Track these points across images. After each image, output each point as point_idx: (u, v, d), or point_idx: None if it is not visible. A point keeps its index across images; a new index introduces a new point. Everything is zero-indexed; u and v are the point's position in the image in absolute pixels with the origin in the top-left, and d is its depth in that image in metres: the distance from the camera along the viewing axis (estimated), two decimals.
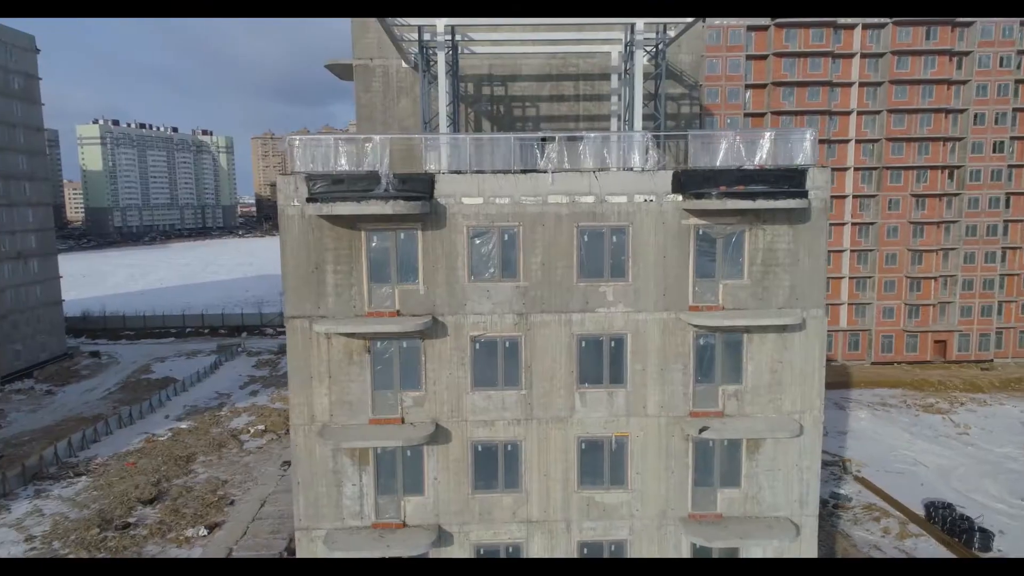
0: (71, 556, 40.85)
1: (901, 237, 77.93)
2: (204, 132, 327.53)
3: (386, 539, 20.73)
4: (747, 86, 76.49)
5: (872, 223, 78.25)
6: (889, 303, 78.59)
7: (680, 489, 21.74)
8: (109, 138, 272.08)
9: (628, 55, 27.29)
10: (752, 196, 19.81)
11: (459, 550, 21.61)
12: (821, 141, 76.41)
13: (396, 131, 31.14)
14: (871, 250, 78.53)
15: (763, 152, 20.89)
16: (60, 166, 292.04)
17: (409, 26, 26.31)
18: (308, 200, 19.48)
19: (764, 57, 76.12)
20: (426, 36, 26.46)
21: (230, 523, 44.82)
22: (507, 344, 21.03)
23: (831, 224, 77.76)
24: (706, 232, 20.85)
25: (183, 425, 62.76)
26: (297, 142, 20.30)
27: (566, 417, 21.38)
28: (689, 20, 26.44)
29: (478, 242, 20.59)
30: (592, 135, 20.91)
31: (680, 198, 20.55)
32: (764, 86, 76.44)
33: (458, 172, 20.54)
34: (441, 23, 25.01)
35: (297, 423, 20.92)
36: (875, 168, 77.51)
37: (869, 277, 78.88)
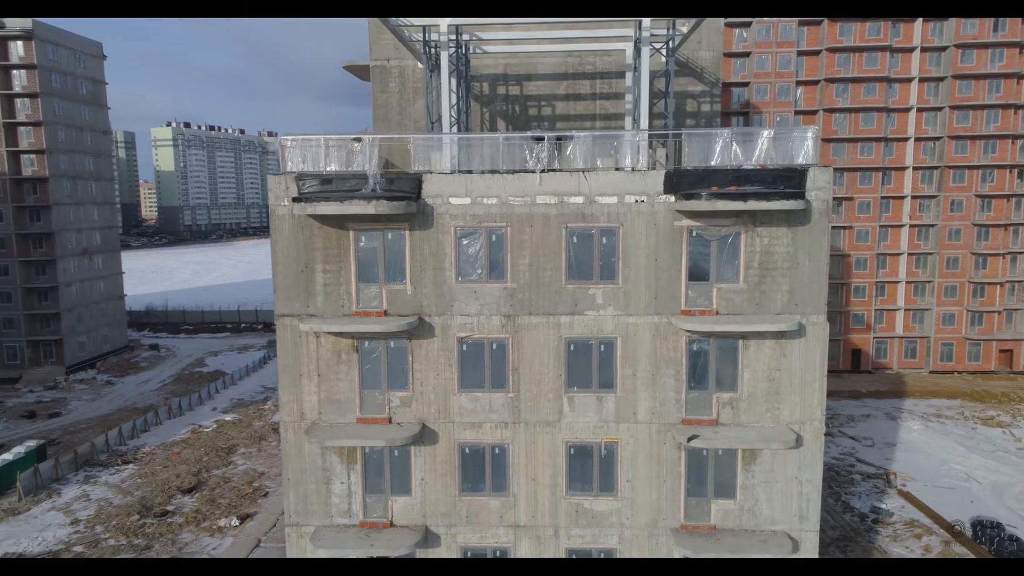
0: (111, 540, 42.61)
1: (964, 240, 74.10)
2: (270, 134, 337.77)
3: (371, 538, 20.82)
4: (798, 82, 74.06)
5: (932, 225, 74.68)
6: (950, 309, 74.84)
7: (672, 498, 21.12)
8: (181, 140, 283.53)
9: (636, 52, 26.66)
10: (743, 197, 19.06)
11: (446, 552, 21.53)
12: (876, 139, 73.42)
13: (412, 131, 31.27)
14: (931, 253, 74.96)
15: (761, 151, 20.09)
16: (136, 167, 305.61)
17: (414, 27, 26.34)
18: (294, 200, 19.72)
19: (816, 53, 73.54)
20: (431, 36, 26.47)
21: (261, 514, 45.97)
22: (494, 346, 20.83)
23: (888, 226, 74.68)
24: (699, 234, 20.19)
25: (228, 417, 64.76)
26: (288, 142, 20.57)
27: (554, 421, 21.04)
28: (693, 20, 25.66)
29: (465, 243, 20.45)
30: (582, 134, 20.51)
31: (672, 199, 19.95)
32: (816, 82, 73.84)
33: (449, 172, 20.44)
34: (444, 23, 24.95)
35: (287, 420, 21.21)
36: (936, 167, 73.93)
37: (928, 282, 75.31)
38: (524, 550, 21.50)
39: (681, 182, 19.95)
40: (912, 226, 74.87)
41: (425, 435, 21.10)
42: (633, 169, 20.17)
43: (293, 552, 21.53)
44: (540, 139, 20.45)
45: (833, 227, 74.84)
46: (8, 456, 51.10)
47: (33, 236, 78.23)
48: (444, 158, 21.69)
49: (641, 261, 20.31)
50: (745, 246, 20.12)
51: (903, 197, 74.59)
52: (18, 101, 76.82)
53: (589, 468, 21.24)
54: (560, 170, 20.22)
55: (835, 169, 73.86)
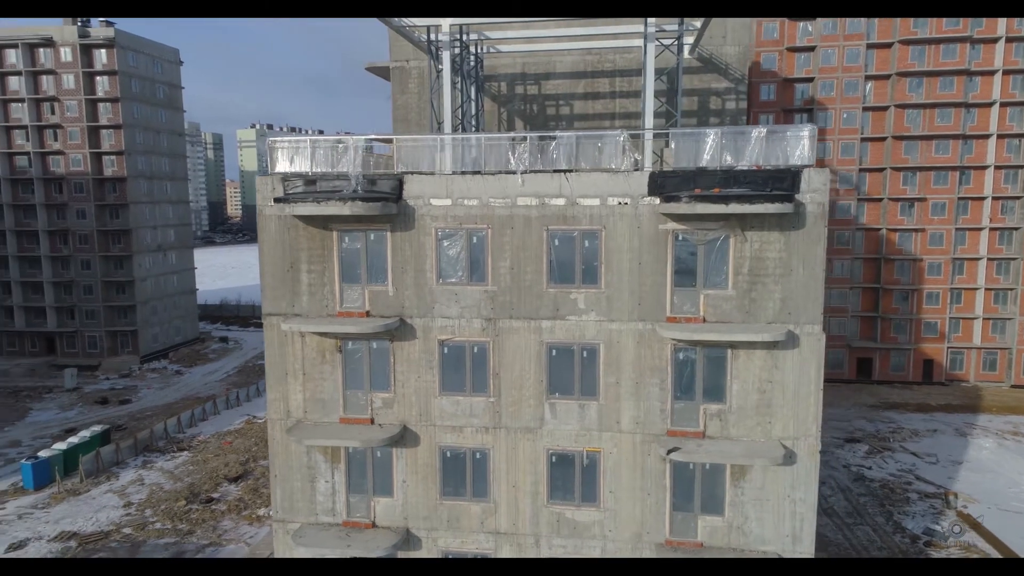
0: (157, 524, 44.65)
1: None
2: (346, 133, 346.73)
3: (351, 538, 20.93)
4: (867, 77, 70.37)
5: (1016, 228, 69.59)
6: None
7: (656, 512, 20.33)
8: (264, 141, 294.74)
9: (645, 50, 25.81)
10: (724, 200, 18.11)
11: (427, 556, 21.42)
12: (954, 136, 68.98)
13: (428, 132, 31.34)
14: (1014, 259, 69.88)
15: (754, 151, 19.06)
16: (223, 167, 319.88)
17: (418, 27, 26.35)
18: (276, 200, 20.02)
19: (888, 45, 69.67)
20: (434, 36, 26.41)
21: None
22: (475, 349, 20.57)
23: (966, 229, 70.09)
24: (686, 238, 19.33)
25: None
26: (276, 143, 20.91)
27: (535, 428, 20.60)
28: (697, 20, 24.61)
29: (446, 244, 20.28)
30: (565, 134, 19.97)
31: (657, 201, 19.18)
32: (887, 77, 69.99)
33: (429, 172, 20.32)
34: (446, 23, 24.85)
35: (274, 417, 21.57)
36: (1020, 167, 68.84)
37: (1011, 289, 70.24)
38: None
39: (666, 184, 19.16)
40: (993, 229, 69.98)
41: (407, 437, 21.05)
42: (616, 170, 19.49)
43: (279, 548, 21.89)
44: (523, 139, 20.05)
45: (903, 230, 70.88)
46: (74, 440, 54.32)
47: (112, 233, 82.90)
48: (445, 159, 21.54)
49: (624, 265, 19.63)
50: (734, 251, 19.14)
51: (983, 198, 69.81)
52: (100, 105, 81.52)
53: (571, 477, 20.70)
54: (541, 171, 19.76)
55: (907, 169, 69.98)
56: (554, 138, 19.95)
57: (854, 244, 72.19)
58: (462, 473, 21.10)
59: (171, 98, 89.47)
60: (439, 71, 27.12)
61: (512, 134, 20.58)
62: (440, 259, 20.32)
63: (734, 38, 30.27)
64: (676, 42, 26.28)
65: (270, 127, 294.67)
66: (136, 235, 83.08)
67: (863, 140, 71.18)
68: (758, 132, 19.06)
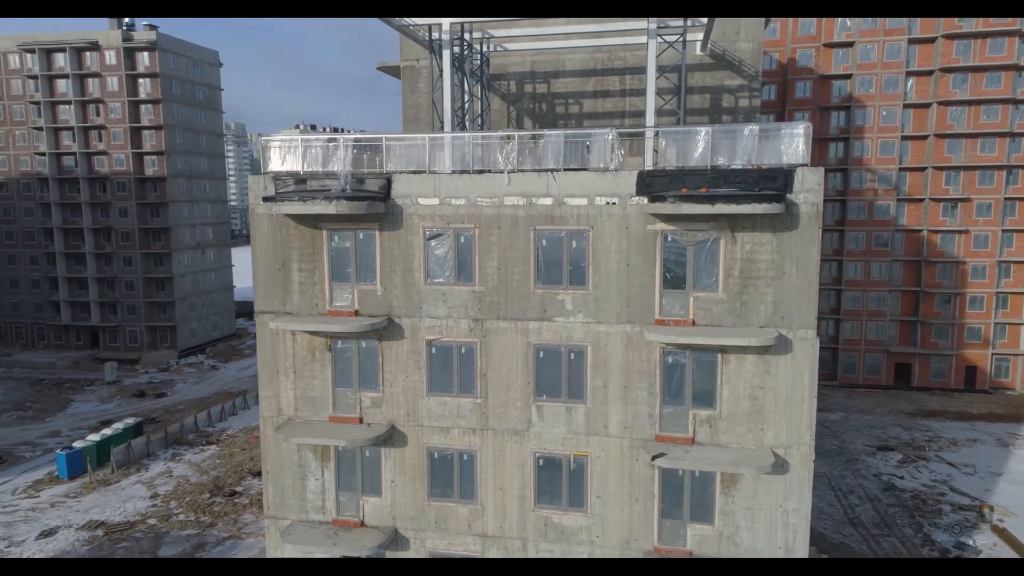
0: (181, 516, 45.65)
1: None
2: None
3: (338, 536, 20.97)
4: (908, 73, 68.05)
5: None
6: None
7: (645, 519, 19.87)
8: None
9: (648, 47, 25.29)
10: (711, 200, 17.58)
11: (415, 557, 21.33)
12: (1002, 135, 66.25)
13: (432, 131, 31.29)
14: None
15: (746, 150, 18.48)
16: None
17: (419, 26, 26.30)
18: (264, 199, 20.17)
19: (931, 40, 67.27)
20: (436, 35, 26.32)
21: None
22: (463, 350, 20.41)
23: (1014, 231, 67.28)
24: (675, 239, 18.84)
25: None
26: (269, 142, 21.07)
27: (523, 430, 20.34)
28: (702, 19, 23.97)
29: (434, 244, 20.16)
30: (553, 133, 19.67)
31: (645, 201, 18.74)
32: (930, 73, 67.58)
33: (417, 171, 20.23)
34: (447, 22, 24.74)
35: (266, 415, 21.75)
36: None
37: None
38: None
39: (654, 183, 18.71)
40: None
41: (395, 437, 21.00)
42: (604, 169, 19.10)
43: (270, 545, 22.07)
44: (511, 138, 19.81)
45: (946, 231, 68.37)
46: (108, 432, 55.94)
47: (153, 230, 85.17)
48: (444, 158, 21.40)
49: (612, 266, 19.23)
50: (724, 252, 18.58)
51: None
52: (142, 107, 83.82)
53: (558, 481, 20.38)
54: (529, 170, 19.49)
55: (950, 168, 67.43)
56: (542, 137, 19.67)
57: (893, 246, 69.94)
58: (450, 474, 20.97)
59: (210, 99, 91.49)
60: (441, 70, 27.02)
61: (500, 132, 20.36)
62: (428, 259, 20.22)
63: (747, 34, 29.46)
64: (680, 39, 25.69)
65: (313, 127, 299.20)
66: (175, 233, 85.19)
67: (903, 138, 68.90)
68: (750, 130, 18.47)
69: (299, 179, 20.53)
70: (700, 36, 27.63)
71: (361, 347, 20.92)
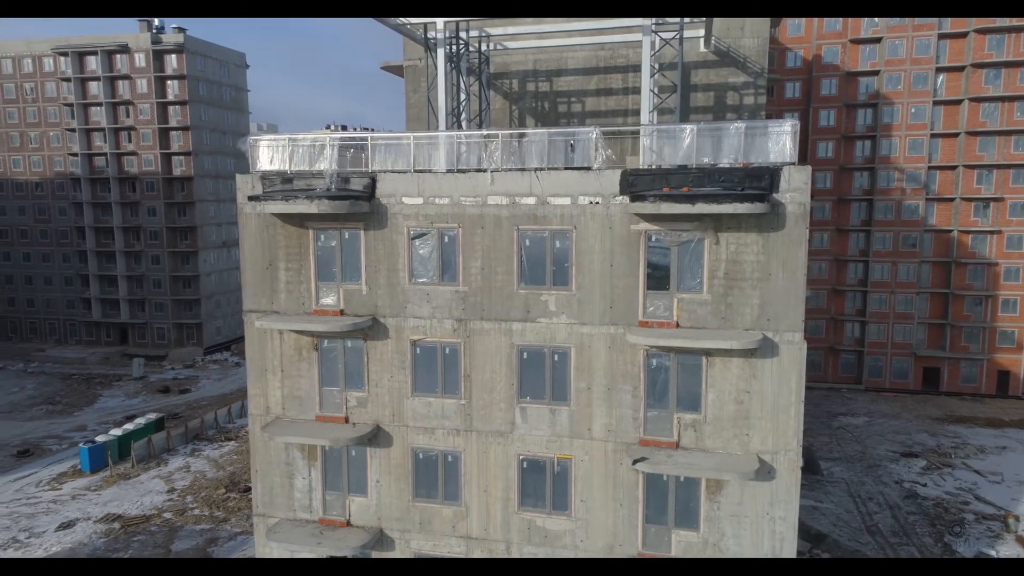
0: (196, 510, 46.35)
1: None
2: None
3: (324, 536, 21.00)
4: (938, 69, 66.20)
5: None
6: None
7: (629, 524, 19.53)
8: None
9: (645, 43, 24.89)
10: (691, 199, 17.18)
11: (400, 557, 21.27)
12: None
13: (430, 130, 31.22)
14: None
15: (732, 148, 18.05)
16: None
17: (413, 24, 26.23)
18: (249, 199, 20.26)
19: (963, 35, 65.35)
20: (431, 34, 26.22)
21: None
22: (447, 350, 20.28)
23: None
24: (659, 239, 18.47)
25: None
26: (258, 141, 21.17)
27: (507, 432, 20.14)
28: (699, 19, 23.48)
29: (418, 243, 20.06)
30: (537, 132, 19.42)
31: (628, 200, 18.40)
32: (961, 69, 65.65)
33: (402, 171, 20.15)
34: (440, 21, 24.63)
35: (254, 413, 21.87)
36: None
37: None
38: None
39: (638, 182, 18.36)
40: None
41: (380, 437, 20.96)
42: (587, 168, 18.80)
43: (259, 543, 22.18)
44: (495, 137, 19.62)
45: (977, 232, 66.40)
46: (129, 426, 57.07)
47: (180, 229, 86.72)
48: (440, 157, 21.31)
49: (595, 267, 18.92)
50: (709, 253, 18.16)
51: None
52: (171, 108, 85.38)
53: (542, 484, 20.14)
54: (512, 169, 19.28)
55: (982, 167, 65.43)
56: (525, 136, 19.45)
57: (922, 247, 68.14)
58: (434, 475, 20.85)
59: (237, 100, 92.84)
60: (437, 69, 26.92)
61: (483, 132, 20.19)
62: (412, 258, 20.13)
63: (753, 30, 28.82)
64: (677, 35, 25.22)
65: (343, 127, 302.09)
66: (202, 232, 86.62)
67: (933, 136, 67.07)
68: (736, 128, 18.03)
69: (285, 178, 20.60)
70: (700, 32, 27.10)
71: (347, 347, 20.91)
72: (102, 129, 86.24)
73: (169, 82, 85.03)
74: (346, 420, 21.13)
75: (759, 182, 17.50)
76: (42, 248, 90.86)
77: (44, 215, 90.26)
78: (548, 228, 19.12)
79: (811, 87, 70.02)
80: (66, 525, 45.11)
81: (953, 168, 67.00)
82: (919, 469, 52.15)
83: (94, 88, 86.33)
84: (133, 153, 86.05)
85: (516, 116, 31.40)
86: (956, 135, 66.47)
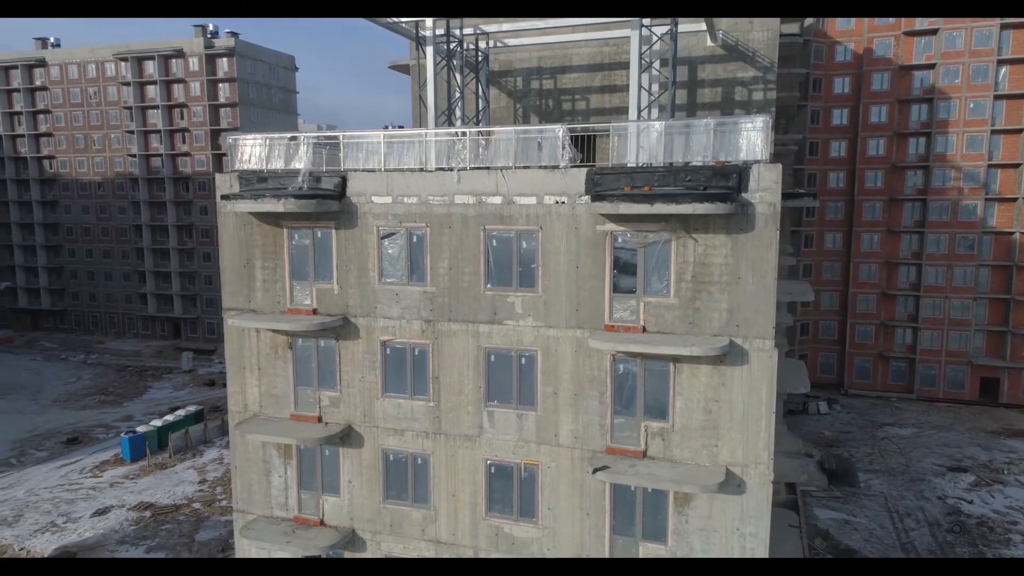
0: (224, 501, 47.51)
1: None
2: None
3: (295, 535, 21.04)
4: (1000, 61, 62.47)
5: None
6: None
7: (596, 534, 18.88)
8: None
9: (641, 39, 24.10)
10: (650, 199, 16.44)
11: (371, 558, 21.14)
12: None
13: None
14: None
15: (701, 146, 17.23)
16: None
17: (410, 22, 26.09)
18: (222, 197, 20.46)
19: None
20: (425, 32, 26.03)
21: None
22: (416, 352, 20.03)
23: None
24: (625, 240, 17.78)
25: None
26: (238, 140, 21.38)
27: (474, 436, 19.76)
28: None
29: (387, 243, 19.88)
30: (505, 129, 18.98)
31: (590, 200, 17.77)
32: None
33: (372, 169, 20.01)
34: (429, 20, 24.42)
35: (233, 410, 22.10)
36: None
37: None
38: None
39: (603, 182, 17.72)
40: None
41: (352, 437, 20.88)
42: (552, 167, 18.24)
43: (238, 539, 22.40)
44: (464, 135, 19.27)
45: None
46: (170, 418, 59.04)
47: None
48: (431, 155, 21.08)
49: (561, 268, 18.36)
50: (676, 255, 17.37)
51: None
52: (222, 110, 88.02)
53: (510, 490, 19.68)
54: (477, 168, 18.89)
55: None
56: (493, 133, 19.04)
57: (980, 249, 64.48)
58: (404, 478, 20.64)
59: (285, 102, 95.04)
60: (438, 66, 26.74)
61: (453, 130, 19.87)
62: (382, 258, 19.96)
63: (762, 23, 27.57)
64: (671, 30, 24.31)
65: (400, 127, 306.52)
66: None
67: (994, 132, 63.35)
68: (706, 125, 17.19)
69: (261, 177, 20.72)
70: (701, 27, 26.11)
71: (320, 346, 20.90)
72: (158, 131, 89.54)
73: (220, 85, 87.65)
74: (319, 419, 21.13)
75: (726, 181, 16.64)
76: (103, 245, 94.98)
77: (105, 213, 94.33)
78: (514, 228, 18.65)
79: (861, 82, 67.12)
80: (101, 512, 46.89)
81: (1016, 166, 63.19)
82: (966, 485, 49.30)
83: (151, 91, 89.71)
84: (187, 154, 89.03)
85: (520, 114, 30.96)
86: (1020, 131, 62.65)
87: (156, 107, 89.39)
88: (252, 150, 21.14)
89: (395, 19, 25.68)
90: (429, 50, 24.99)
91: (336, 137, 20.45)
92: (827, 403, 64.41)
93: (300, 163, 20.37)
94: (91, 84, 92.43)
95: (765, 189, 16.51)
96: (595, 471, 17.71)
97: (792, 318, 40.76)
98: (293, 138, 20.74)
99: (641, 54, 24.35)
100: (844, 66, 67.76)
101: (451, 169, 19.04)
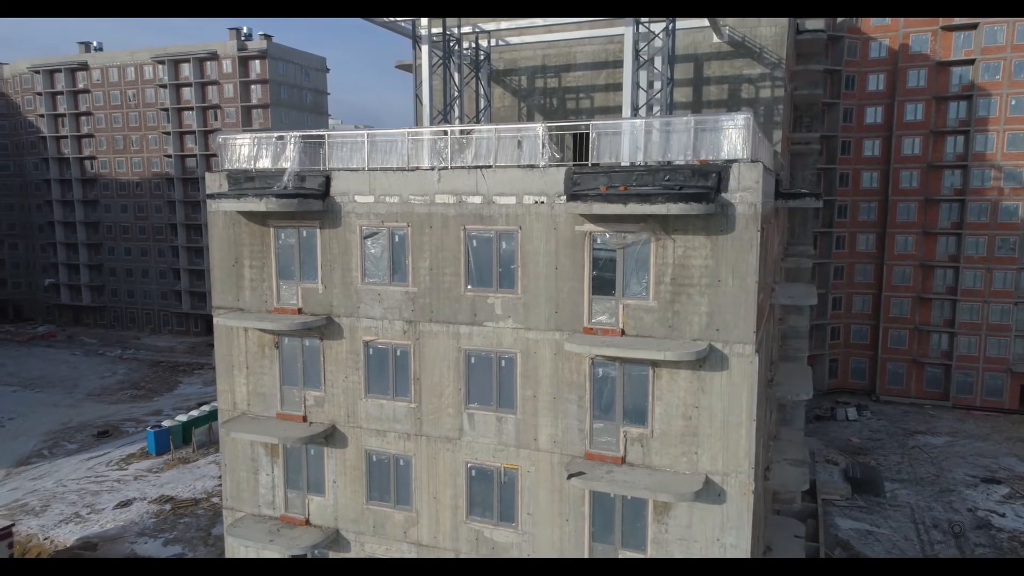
0: None
1: None
2: None
3: (280, 534, 21.07)
4: None
5: None
6: None
7: (575, 541, 18.48)
8: None
9: (636, 36, 23.60)
10: (624, 199, 15.99)
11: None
12: None
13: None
14: None
15: (683, 144, 16.73)
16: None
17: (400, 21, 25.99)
18: (208, 197, 20.58)
19: None
20: (422, 32, 25.89)
21: None
22: (398, 352, 19.88)
23: None
24: (603, 241, 17.35)
25: None
26: (228, 139, 21.52)
27: (455, 438, 19.52)
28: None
29: (369, 243, 19.77)
30: (486, 128, 18.70)
31: (566, 200, 17.39)
32: None
33: (355, 168, 19.92)
34: (425, 20, 24.28)
35: (223, 408, 22.24)
36: None
37: None
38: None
39: (581, 181, 17.33)
40: None
41: (336, 437, 20.83)
42: (532, 166, 17.90)
43: (226, 536, 22.53)
44: (443, 134, 19.06)
45: None
46: (194, 413, 60.13)
47: None
48: (424, 153, 20.98)
49: (541, 270, 18.01)
50: (655, 257, 16.88)
51: None
52: (254, 111, 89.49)
53: (490, 494, 19.39)
54: (458, 167, 18.65)
55: None
56: (474, 132, 18.78)
57: (1021, 252, 62.00)
58: (387, 479, 20.51)
59: (317, 103, 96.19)
60: (435, 65, 26.61)
61: (431, 128, 19.68)
62: (364, 258, 19.86)
63: (770, 18, 26.80)
64: (668, 25, 23.73)
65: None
66: None
67: None
68: (686, 123, 16.68)
69: (248, 176, 20.80)
70: (701, 23, 25.47)
71: (305, 345, 20.90)
72: (193, 132, 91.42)
73: (253, 86, 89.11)
74: (304, 419, 21.13)
75: (705, 180, 16.11)
76: (140, 243, 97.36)
77: (142, 212, 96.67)
78: (494, 228, 18.36)
79: (896, 79, 65.13)
80: (123, 504, 47.95)
81: None
82: (999, 497, 47.39)
83: (187, 93, 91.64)
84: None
85: (525, 113, 30.66)
86: None
87: (191, 108, 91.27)
88: (242, 149, 21.24)
89: (392, 18, 25.60)
90: (424, 49, 24.87)
91: (322, 136, 20.39)
92: (856, 409, 62.63)
93: (288, 162, 20.38)
94: (130, 87, 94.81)
95: (746, 189, 15.93)
96: (570, 477, 17.32)
97: (807, 321, 39.62)
98: (280, 137, 20.77)
99: (638, 51, 23.84)
100: (879, 62, 65.84)
101: (432, 168, 18.83)
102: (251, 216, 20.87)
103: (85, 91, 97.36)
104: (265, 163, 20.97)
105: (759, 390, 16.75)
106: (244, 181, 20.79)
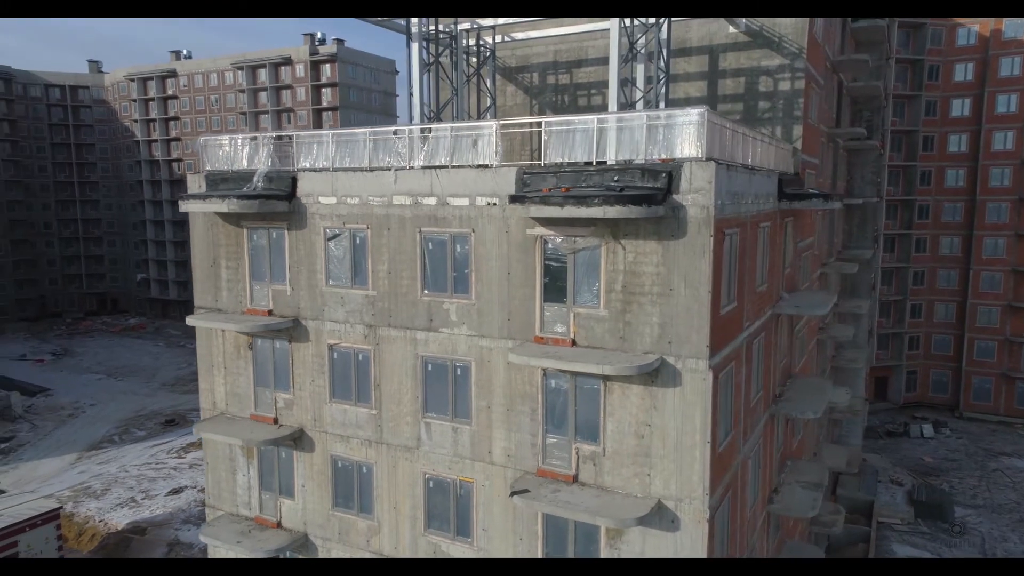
0: None
1: None
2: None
3: (251, 535, 21.03)
4: None
5: None
6: None
7: None
8: None
9: (613, 28, 22.26)
10: (560, 203, 14.87)
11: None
12: None
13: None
14: None
15: (635, 143, 15.48)
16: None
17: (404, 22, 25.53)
18: (179, 198, 20.74)
19: None
20: (418, 29, 25.35)
21: None
22: (360, 357, 19.42)
23: None
24: (555, 246, 16.29)
25: None
26: (207, 141, 21.68)
27: (413, 448, 18.88)
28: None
29: (332, 245, 19.40)
30: (443, 126, 17.95)
31: (508, 202, 16.42)
32: None
33: (319, 169, 19.61)
34: (415, 20, 23.78)
35: (204, 407, 22.44)
36: None
37: None
38: None
39: (531, 181, 16.33)
40: None
41: (304, 441, 20.58)
42: (484, 166, 17.02)
43: (203, 534, 22.73)
44: (398, 133, 18.46)
45: None
46: None
47: None
48: (414, 154, 20.59)
49: (494, 274, 17.11)
50: (606, 263, 15.68)
51: None
52: (324, 114, 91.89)
53: (447, 507, 18.63)
54: (413, 167, 18.00)
55: None
56: (431, 130, 18.08)
57: None
58: (351, 486, 20.09)
59: (385, 105, 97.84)
60: (429, 63, 26.06)
61: (394, 128, 19.08)
62: (328, 260, 19.51)
63: None
64: (661, 20, 22.20)
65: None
66: None
67: None
68: (640, 119, 15.40)
69: (224, 178, 20.86)
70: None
71: (275, 347, 20.77)
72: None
73: (323, 90, 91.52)
74: (275, 421, 21.00)
75: (655, 181, 14.79)
76: None
77: None
78: (448, 231, 17.60)
79: (987, 68, 59.91)
80: (175, 491, 50.00)
81: None
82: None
83: (263, 98, 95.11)
84: None
85: (536, 111, 29.69)
86: None
87: (266, 112, 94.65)
88: (221, 150, 21.34)
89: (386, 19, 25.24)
90: (415, 46, 24.35)
91: (291, 137, 20.20)
92: (932, 426, 58.00)
93: (260, 163, 20.30)
94: (213, 92, 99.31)
95: (697, 190, 14.52)
96: (512, 494, 16.35)
97: (853, 330, 36.78)
98: (254, 138, 20.72)
99: (633, 43, 22.51)
100: (967, 50, 60.79)
101: (388, 168, 18.26)
102: (227, 217, 20.91)
103: (174, 97, 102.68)
104: (243, 164, 20.96)
105: (714, 410, 15.26)
106: (220, 182, 20.86)
